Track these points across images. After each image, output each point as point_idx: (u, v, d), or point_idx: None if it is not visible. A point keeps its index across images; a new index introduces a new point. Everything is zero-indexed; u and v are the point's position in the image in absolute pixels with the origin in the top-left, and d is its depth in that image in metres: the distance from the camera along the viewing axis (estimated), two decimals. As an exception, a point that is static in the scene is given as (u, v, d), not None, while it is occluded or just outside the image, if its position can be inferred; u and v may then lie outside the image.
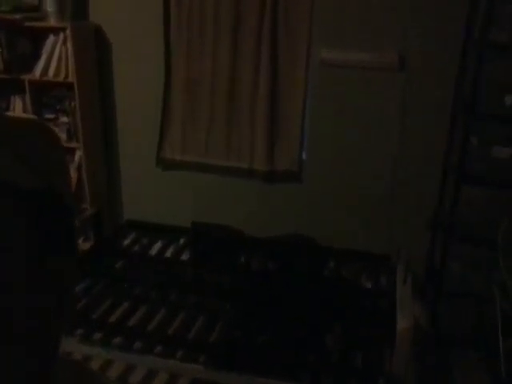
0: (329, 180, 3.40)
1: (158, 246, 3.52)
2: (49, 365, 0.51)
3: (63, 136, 3.43)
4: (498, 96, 2.75)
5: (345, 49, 3.12)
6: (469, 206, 2.90)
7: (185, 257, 3.43)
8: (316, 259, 3.37)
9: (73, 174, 3.47)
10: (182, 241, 3.58)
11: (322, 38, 3.14)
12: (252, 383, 2.41)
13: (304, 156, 3.42)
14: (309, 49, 3.18)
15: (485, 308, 2.73)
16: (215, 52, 3.31)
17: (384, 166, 3.27)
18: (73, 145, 3.45)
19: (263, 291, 3.01)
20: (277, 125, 3.37)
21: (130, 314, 2.76)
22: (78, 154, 3.49)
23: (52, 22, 3.28)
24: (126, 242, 3.56)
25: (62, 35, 3.26)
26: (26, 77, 3.33)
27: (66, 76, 3.31)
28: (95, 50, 3.49)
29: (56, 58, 3.31)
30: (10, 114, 3.34)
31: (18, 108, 3.47)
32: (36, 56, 3.35)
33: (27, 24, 3.25)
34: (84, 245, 3.45)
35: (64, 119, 3.45)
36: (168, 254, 3.43)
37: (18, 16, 3.23)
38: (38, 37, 3.35)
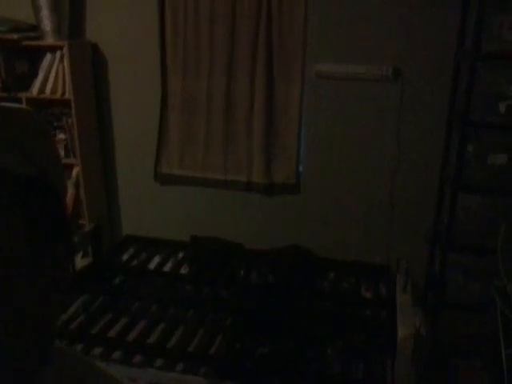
0: (327, 191, 3.41)
1: (156, 260, 3.51)
2: (42, 360, 0.51)
3: (61, 153, 3.44)
4: (493, 103, 2.77)
5: (340, 61, 3.15)
6: (467, 213, 2.90)
7: (184, 271, 3.42)
8: (315, 271, 3.36)
9: (71, 189, 3.48)
10: (180, 255, 3.57)
11: (316, 51, 3.17)
12: (253, 395, 2.39)
13: (301, 168, 3.44)
14: (304, 62, 3.21)
15: (486, 316, 2.72)
16: (211, 69, 3.35)
17: (381, 177, 3.28)
18: (71, 161, 3.46)
19: (263, 303, 2.99)
20: (274, 138, 3.39)
21: (130, 329, 2.75)
22: (76, 170, 3.50)
23: (49, 40, 3.31)
24: (125, 256, 3.56)
25: (59, 53, 3.29)
26: (24, 95, 3.35)
27: (63, 93, 3.34)
28: (92, 68, 3.53)
29: (53, 76, 3.34)
30: None
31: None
32: (33, 74, 3.38)
33: (25, 43, 3.28)
34: (83, 261, 3.44)
35: (62, 136, 3.47)
36: (167, 268, 3.42)
37: (15, 36, 3.27)
38: (35, 55, 3.38)
